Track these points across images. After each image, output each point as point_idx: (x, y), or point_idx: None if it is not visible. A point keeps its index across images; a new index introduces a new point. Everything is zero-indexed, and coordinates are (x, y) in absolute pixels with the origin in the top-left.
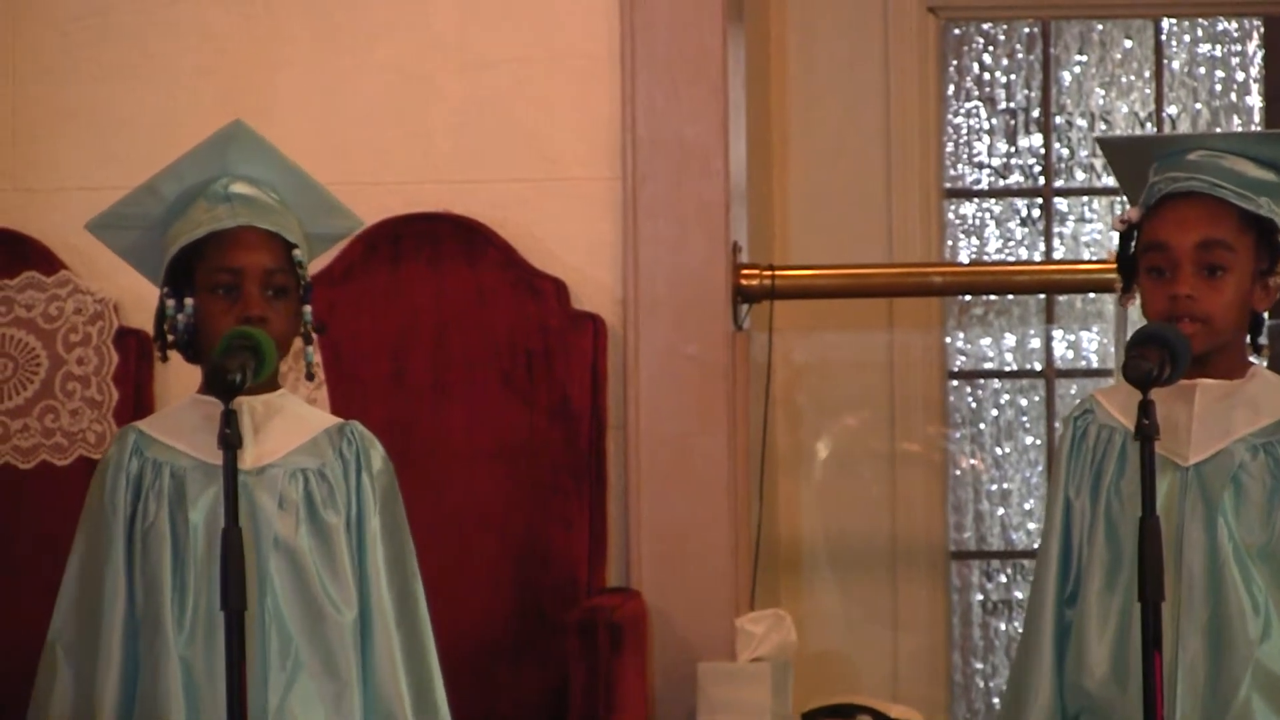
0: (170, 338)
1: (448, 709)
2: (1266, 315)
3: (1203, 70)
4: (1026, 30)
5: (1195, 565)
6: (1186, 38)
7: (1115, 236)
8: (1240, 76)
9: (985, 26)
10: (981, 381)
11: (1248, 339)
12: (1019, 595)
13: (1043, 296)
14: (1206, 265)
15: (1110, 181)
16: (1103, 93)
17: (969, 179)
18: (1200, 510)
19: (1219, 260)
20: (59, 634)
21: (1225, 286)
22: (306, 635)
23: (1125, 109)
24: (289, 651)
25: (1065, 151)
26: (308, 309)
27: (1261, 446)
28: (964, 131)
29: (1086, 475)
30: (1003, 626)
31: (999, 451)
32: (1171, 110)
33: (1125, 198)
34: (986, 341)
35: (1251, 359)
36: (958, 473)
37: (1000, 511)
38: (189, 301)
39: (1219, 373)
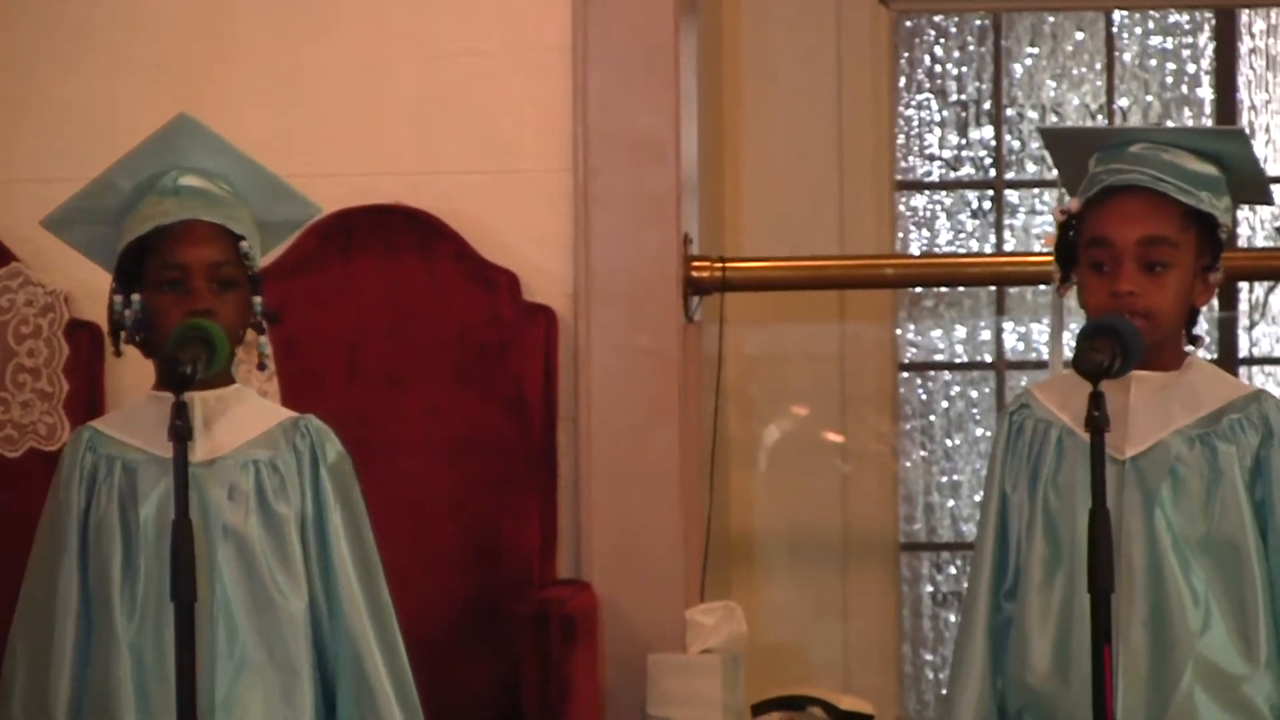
0: (120, 331)
1: (418, 699)
2: (1205, 309)
3: (1154, 62)
4: (978, 23)
5: (1135, 558)
6: (1138, 30)
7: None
8: (1191, 69)
9: (937, 19)
10: (932, 373)
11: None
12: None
13: (994, 288)
14: (1148, 261)
15: None
16: (1054, 85)
17: (920, 171)
18: (1138, 503)
19: (1161, 257)
20: (18, 633)
21: (1167, 282)
22: (255, 625)
23: (1076, 101)
24: (236, 641)
25: (1016, 144)
26: (257, 299)
27: (1198, 438)
28: (915, 124)
29: (1024, 470)
30: (953, 618)
31: (949, 443)
32: (1123, 103)
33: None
34: (937, 333)
35: (1187, 349)
36: (908, 464)
37: (950, 503)
38: (136, 298)
39: (1156, 365)
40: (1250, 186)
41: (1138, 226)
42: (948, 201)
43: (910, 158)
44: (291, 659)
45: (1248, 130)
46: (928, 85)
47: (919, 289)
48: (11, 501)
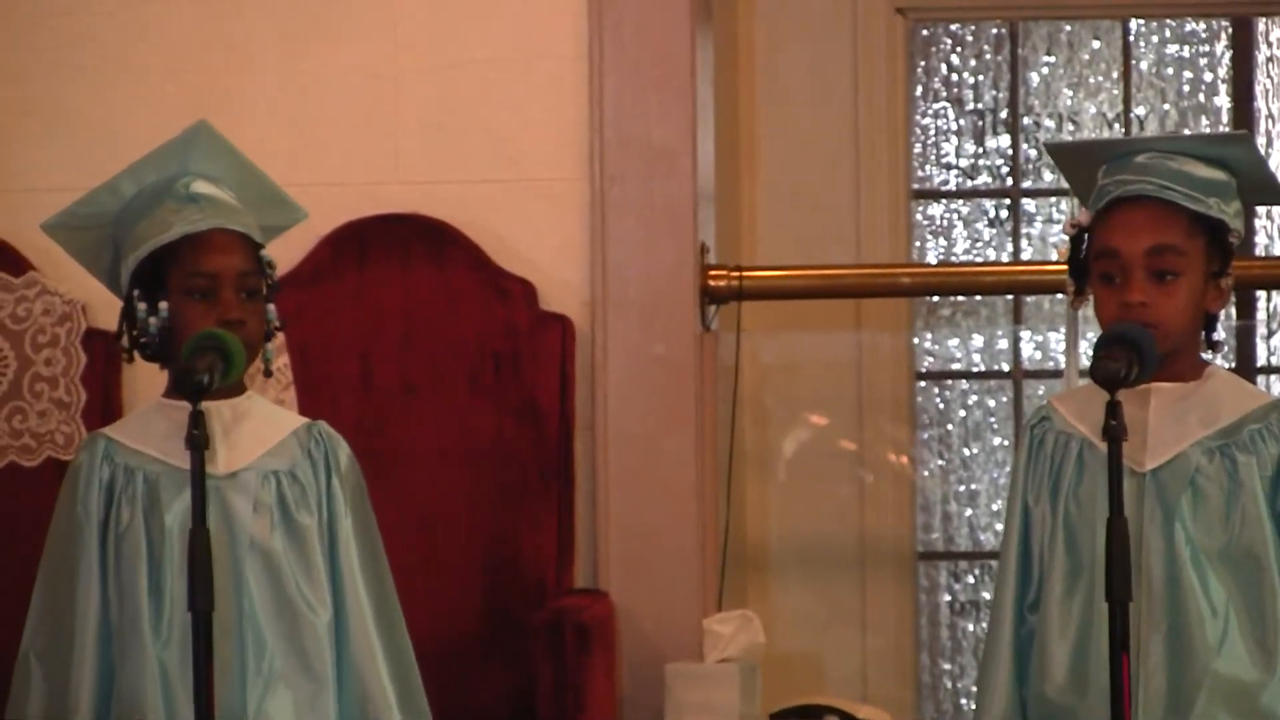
0: (138, 339)
1: (428, 706)
2: (1221, 314)
3: (1171, 71)
4: (994, 31)
5: (1154, 571)
6: (1155, 38)
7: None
8: (1208, 77)
9: (953, 27)
10: (949, 382)
11: (1201, 338)
12: (987, 596)
13: (1010, 297)
14: (1158, 271)
15: None
16: (1071, 93)
17: (937, 180)
18: (1158, 516)
19: (1170, 265)
20: (32, 643)
21: (1177, 291)
22: (283, 637)
23: (1093, 110)
24: (265, 654)
25: (1033, 152)
26: (271, 307)
27: (1218, 449)
28: (932, 132)
29: (1045, 482)
30: (970, 627)
31: (966, 452)
32: (1139, 111)
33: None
34: (954, 342)
35: (1205, 356)
36: (926, 473)
37: (968, 512)
38: (163, 305)
39: (1174, 375)
40: (1260, 189)
41: (1145, 236)
42: (964, 210)
43: (926, 166)
44: (317, 670)
45: (1265, 138)
46: (944, 94)
47: (936, 298)
48: (29, 510)
